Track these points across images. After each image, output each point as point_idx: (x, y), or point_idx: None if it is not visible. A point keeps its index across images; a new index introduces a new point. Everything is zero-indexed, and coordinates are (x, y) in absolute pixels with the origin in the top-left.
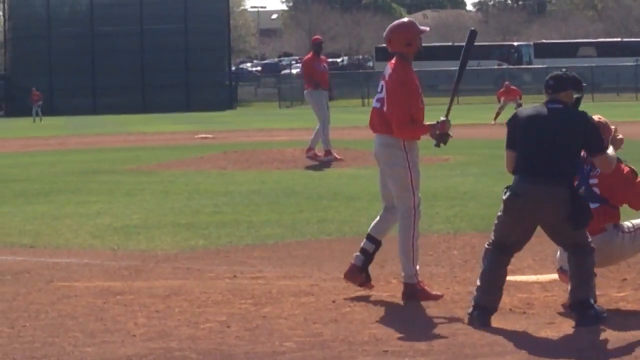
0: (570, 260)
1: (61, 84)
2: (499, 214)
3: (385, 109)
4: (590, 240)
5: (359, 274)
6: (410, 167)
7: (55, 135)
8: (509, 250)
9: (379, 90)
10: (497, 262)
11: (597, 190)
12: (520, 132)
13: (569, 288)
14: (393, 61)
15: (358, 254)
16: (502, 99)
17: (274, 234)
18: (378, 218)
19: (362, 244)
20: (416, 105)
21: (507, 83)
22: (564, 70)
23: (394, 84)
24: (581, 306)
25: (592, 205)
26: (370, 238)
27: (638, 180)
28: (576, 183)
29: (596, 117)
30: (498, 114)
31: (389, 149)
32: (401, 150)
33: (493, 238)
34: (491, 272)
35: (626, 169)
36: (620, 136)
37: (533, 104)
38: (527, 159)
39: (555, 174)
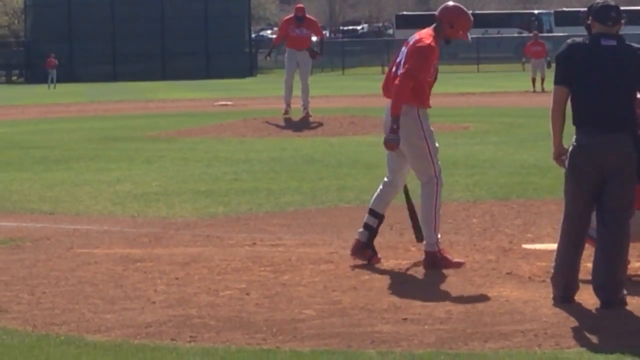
0: (608, 227)
1: (81, 51)
2: (565, 177)
3: (399, 71)
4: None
5: (366, 249)
6: (426, 136)
7: (75, 102)
8: (581, 222)
9: (398, 56)
10: (572, 245)
11: None
12: (577, 72)
13: (598, 261)
14: (425, 30)
15: (361, 229)
16: (531, 59)
17: (293, 201)
18: (378, 191)
19: (364, 219)
20: (426, 74)
21: (535, 32)
22: (613, 5)
23: (419, 49)
24: (613, 289)
25: None
26: (372, 212)
27: None
28: None
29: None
30: (534, 80)
31: (403, 117)
32: (415, 119)
33: (564, 209)
34: (566, 256)
35: None
36: None
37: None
38: (586, 106)
39: (618, 120)
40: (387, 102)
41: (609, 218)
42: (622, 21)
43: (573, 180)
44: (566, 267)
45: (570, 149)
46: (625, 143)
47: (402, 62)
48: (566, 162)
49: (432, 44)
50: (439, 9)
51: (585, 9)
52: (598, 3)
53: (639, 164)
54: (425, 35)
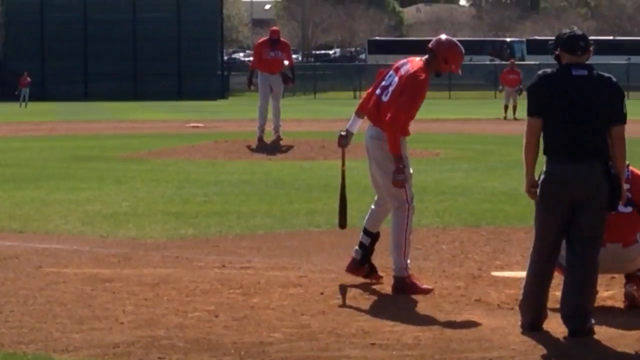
0: (578, 257)
1: (53, 69)
2: (536, 206)
3: (386, 98)
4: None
5: (360, 266)
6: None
7: (46, 120)
8: (551, 251)
9: (387, 77)
10: (541, 274)
11: (629, 194)
12: (549, 102)
13: (567, 290)
14: (417, 60)
15: (356, 247)
16: (506, 87)
17: (263, 224)
18: (370, 211)
19: (359, 237)
20: (415, 111)
21: (512, 60)
22: (573, 27)
23: (414, 84)
24: (582, 318)
25: (625, 209)
26: (365, 231)
27: None
28: None
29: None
30: (506, 107)
31: (379, 142)
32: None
33: (534, 238)
34: (535, 284)
35: None
36: None
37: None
38: (558, 136)
39: (590, 149)
40: (367, 125)
41: (579, 247)
42: (591, 49)
43: (544, 209)
44: (535, 295)
45: (542, 177)
46: (597, 172)
47: (390, 90)
48: (537, 191)
49: (426, 78)
50: (434, 42)
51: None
52: (565, 33)
53: (609, 194)
54: (418, 67)
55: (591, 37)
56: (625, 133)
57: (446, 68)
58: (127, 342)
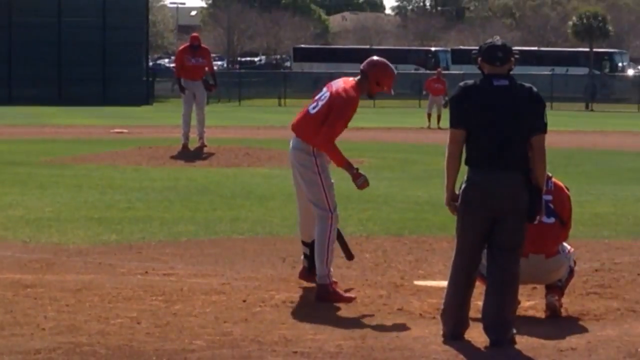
0: (499, 267)
1: None
2: (457, 215)
3: (313, 111)
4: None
5: (310, 273)
6: (320, 171)
7: None
8: (472, 260)
9: (318, 95)
10: (462, 283)
11: (551, 205)
12: (471, 113)
13: (488, 300)
14: (350, 80)
15: (302, 257)
16: (430, 95)
17: (186, 231)
18: (298, 225)
19: (302, 249)
20: (344, 125)
21: (439, 69)
22: (496, 38)
23: (343, 101)
24: (503, 328)
25: (548, 220)
26: (303, 242)
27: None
28: None
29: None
30: (429, 115)
31: (300, 152)
32: (310, 155)
33: (455, 247)
34: (456, 294)
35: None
36: None
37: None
38: (480, 146)
39: (511, 159)
40: (288, 136)
41: (499, 257)
42: (513, 59)
43: (465, 217)
44: (456, 304)
45: (463, 186)
46: (517, 182)
47: (320, 104)
48: (458, 201)
49: (357, 97)
50: (365, 64)
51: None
52: (486, 43)
53: (529, 204)
54: (350, 86)
55: (516, 48)
56: (545, 143)
57: (378, 89)
58: (48, 349)
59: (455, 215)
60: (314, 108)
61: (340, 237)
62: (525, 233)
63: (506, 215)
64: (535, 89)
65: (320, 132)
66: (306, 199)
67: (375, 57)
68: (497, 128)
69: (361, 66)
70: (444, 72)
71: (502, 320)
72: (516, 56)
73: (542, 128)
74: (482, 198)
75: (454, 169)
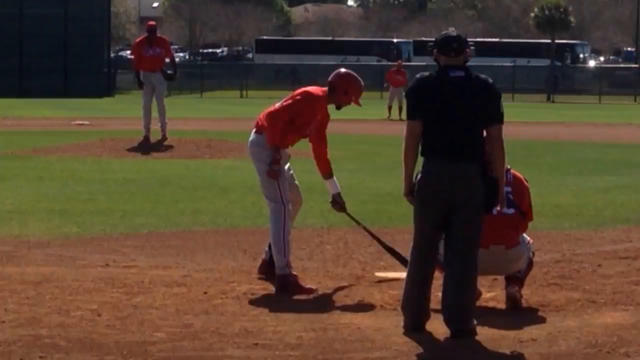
0: (456, 256)
1: None
2: (414, 205)
3: (274, 106)
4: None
5: (271, 267)
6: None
7: None
8: (429, 250)
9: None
10: (421, 273)
11: (511, 196)
12: (427, 104)
13: (447, 290)
14: (319, 88)
15: (266, 248)
16: (391, 86)
17: (147, 223)
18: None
19: (268, 239)
20: (301, 126)
21: (400, 61)
22: (451, 29)
23: (304, 95)
24: (463, 318)
25: (508, 211)
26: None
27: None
28: None
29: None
30: (390, 107)
31: (256, 148)
32: (265, 148)
33: (413, 236)
34: (415, 284)
35: (522, 178)
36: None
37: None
38: (435, 137)
39: (466, 150)
40: (249, 129)
41: (457, 247)
42: (468, 50)
43: (421, 207)
44: (416, 295)
45: (419, 177)
46: (473, 173)
47: (282, 99)
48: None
49: (322, 100)
50: (333, 76)
51: None
52: (441, 35)
53: (487, 194)
54: (317, 90)
55: (477, 39)
56: (503, 133)
57: (346, 100)
58: (8, 341)
59: (414, 205)
60: (277, 103)
61: (391, 250)
62: (482, 224)
63: (462, 206)
64: (490, 80)
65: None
66: (292, 188)
67: (343, 69)
68: (453, 119)
69: (329, 78)
70: (406, 63)
71: (461, 310)
72: (471, 47)
73: (499, 118)
74: (437, 188)
75: (411, 160)
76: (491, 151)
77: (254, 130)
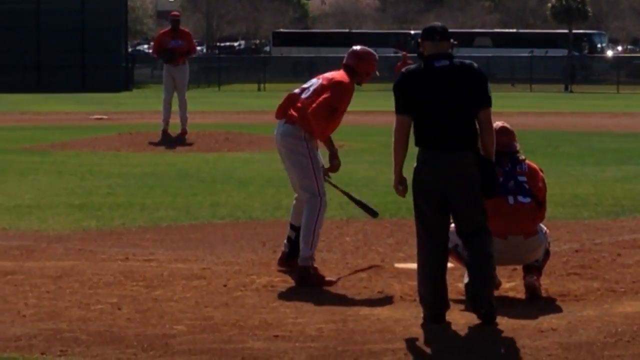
0: (471, 246)
1: None
2: (413, 196)
3: (305, 95)
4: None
5: (290, 259)
6: (311, 155)
7: None
8: (435, 238)
9: (307, 84)
10: (431, 262)
11: (526, 186)
12: (415, 97)
13: (468, 279)
14: (340, 71)
15: (285, 241)
16: None
17: (166, 216)
18: (292, 206)
19: (287, 232)
20: (339, 114)
21: (404, 53)
22: (439, 24)
23: (338, 84)
24: (483, 302)
25: (524, 200)
26: (291, 226)
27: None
28: (500, 179)
29: (499, 123)
30: None
31: (289, 138)
32: (301, 139)
33: (416, 229)
34: (428, 274)
35: (537, 168)
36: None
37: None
38: (427, 128)
39: (459, 138)
40: (277, 122)
41: (468, 234)
42: (452, 41)
43: (419, 198)
44: (431, 286)
45: (414, 167)
46: (468, 160)
47: (311, 89)
48: (405, 186)
49: (351, 84)
50: (352, 58)
51: (461, 30)
52: (426, 26)
53: (483, 178)
54: (342, 75)
55: (494, 30)
56: (491, 116)
57: (367, 79)
58: (29, 335)
59: (402, 196)
60: (306, 93)
61: (355, 200)
62: (483, 206)
63: (459, 193)
64: (476, 65)
65: (312, 107)
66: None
67: (357, 49)
68: (443, 108)
69: (346, 61)
70: None
71: (483, 296)
72: (455, 42)
73: (487, 102)
74: (433, 178)
75: (401, 153)
76: (481, 134)
77: (283, 121)
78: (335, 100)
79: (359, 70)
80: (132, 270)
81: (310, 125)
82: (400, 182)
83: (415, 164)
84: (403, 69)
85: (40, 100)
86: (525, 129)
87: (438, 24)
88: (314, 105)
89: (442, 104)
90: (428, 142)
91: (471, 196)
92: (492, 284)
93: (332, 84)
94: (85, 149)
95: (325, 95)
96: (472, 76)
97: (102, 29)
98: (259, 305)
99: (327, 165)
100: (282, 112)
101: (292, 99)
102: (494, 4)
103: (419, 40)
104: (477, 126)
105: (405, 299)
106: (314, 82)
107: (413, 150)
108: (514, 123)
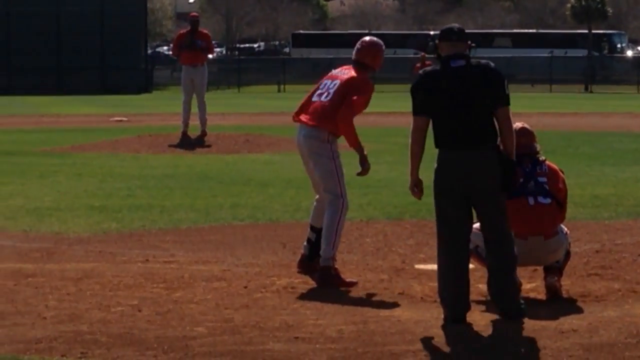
0: (490, 249)
1: None
2: (434, 196)
3: (327, 99)
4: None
5: (310, 262)
6: (334, 157)
7: None
8: (457, 239)
9: (322, 86)
10: (452, 262)
11: (547, 187)
12: (433, 98)
13: (491, 278)
14: (351, 66)
15: (305, 243)
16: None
17: (186, 218)
18: (313, 208)
19: (307, 234)
20: (362, 109)
21: (423, 54)
22: (455, 25)
23: (360, 83)
24: (506, 299)
25: (544, 201)
26: (311, 227)
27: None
28: (521, 180)
29: (519, 124)
30: None
31: (313, 141)
32: (325, 142)
33: (437, 229)
34: (448, 274)
35: (557, 168)
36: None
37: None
38: (446, 128)
39: (478, 137)
40: (298, 125)
41: (491, 241)
42: (469, 42)
43: (441, 198)
44: (452, 287)
45: (435, 167)
46: (488, 159)
47: (332, 92)
48: (421, 188)
49: (369, 80)
50: (361, 54)
51: (481, 30)
52: (443, 27)
53: (504, 175)
54: (360, 73)
55: (514, 31)
56: (510, 115)
57: (379, 67)
58: (49, 337)
59: (419, 198)
60: (326, 97)
61: None
62: (504, 203)
63: (481, 192)
64: (492, 65)
65: (339, 113)
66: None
67: (367, 45)
68: (461, 108)
69: (359, 57)
70: None
71: (507, 292)
72: (473, 45)
73: (505, 101)
74: (454, 177)
75: (417, 155)
76: (501, 132)
77: (307, 124)
78: (363, 101)
79: (371, 65)
80: (152, 272)
81: (341, 132)
82: (416, 184)
83: (435, 165)
84: (420, 71)
85: (60, 102)
86: (544, 129)
87: (455, 24)
88: (342, 112)
89: (459, 103)
90: (447, 143)
91: (493, 196)
92: (514, 279)
93: (354, 86)
94: (105, 151)
95: (350, 99)
96: (489, 75)
97: (121, 31)
98: (280, 307)
99: (358, 168)
100: (301, 116)
101: (312, 105)
102: (513, 5)
103: (437, 41)
104: (496, 125)
105: (426, 300)
106: (328, 83)
107: (431, 152)
108: (533, 123)
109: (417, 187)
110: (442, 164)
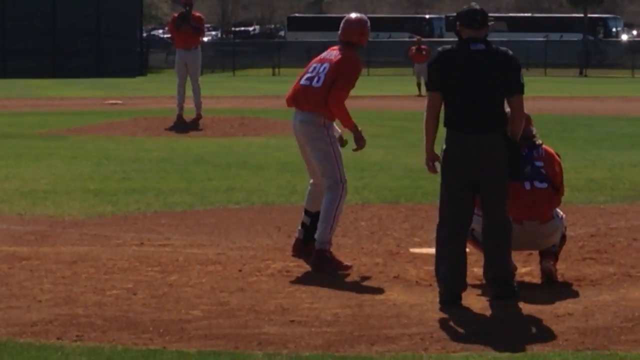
0: (488, 233)
1: None
2: (441, 176)
3: (318, 84)
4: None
5: (304, 246)
6: (332, 141)
7: None
8: (459, 220)
9: (311, 70)
10: (452, 242)
11: (543, 171)
12: (449, 77)
13: (487, 262)
14: (338, 47)
15: (299, 227)
16: (415, 64)
17: (182, 201)
18: (307, 192)
19: (301, 218)
20: (351, 89)
21: (419, 37)
22: (473, 3)
23: (351, 65)
24: (501, 282)
25: (540, 185)
26: (306, 212)
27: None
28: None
29: None
30: (419, 84)
31: (310, 125)
32: (321, 126)
33: (440, 209)
34: (448, 252)
35: (554, 152)
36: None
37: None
38: (458, 109)
39: (489, 121)
40: (294, 110)
41: (490, 226)
42: (489, 24)
43: (449, 176)
44: (451, 264)
45: (444, 148)
46: (496, 143)
47: (322, 76)
48: (438, 166)
49: (358, 59)
50: (348, 32)
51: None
52: (464, 8)
53: (510, 159)
54: (349, 53)
55: (509, 14)
56: (523, 103)
57: (366, 41)
58: (45, 320)
59: (434, 173)
60: (317, 82)
61: None
62: (508, 189)
63: (487, 174)
64: (510, 52)
65: (330, 96)
66: (317, 171)
67: (353, 23)
68: (475, 91)
69: (346, 36)
70: (438, 39)
71: (502, 277)
72: (491, 22)
73: (520, 89)
74: (462, 159)
75: (432, 130)
76: (512, 118)
77: (298, 110)
78: (354, 81)
79: (360, 42)
80: (147, 255)
81: (335, 115)
82: (432, 158)
83: (444, 146)
84: (439, 48)
85: (55, 85)
86: (540, 113)
87: (477, 8)
88: (333, 94)
89: (473, 86)
90: (457, 124)
91: (499, 181)
92: (508, 261)
93: (343, 67)
94: (100, 134)
95: (341, 81)
96: (506, 62)
97: (117, 14)
98: (275, 290)
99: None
100: (294, 102)
101: (305, 89)
102: None
103: (457, 23)
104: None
105: (421, 283)
106: (318, 67)
107: (441, 132)
108: (528, 107)
109: (432, 161)
110: (451, 145)
